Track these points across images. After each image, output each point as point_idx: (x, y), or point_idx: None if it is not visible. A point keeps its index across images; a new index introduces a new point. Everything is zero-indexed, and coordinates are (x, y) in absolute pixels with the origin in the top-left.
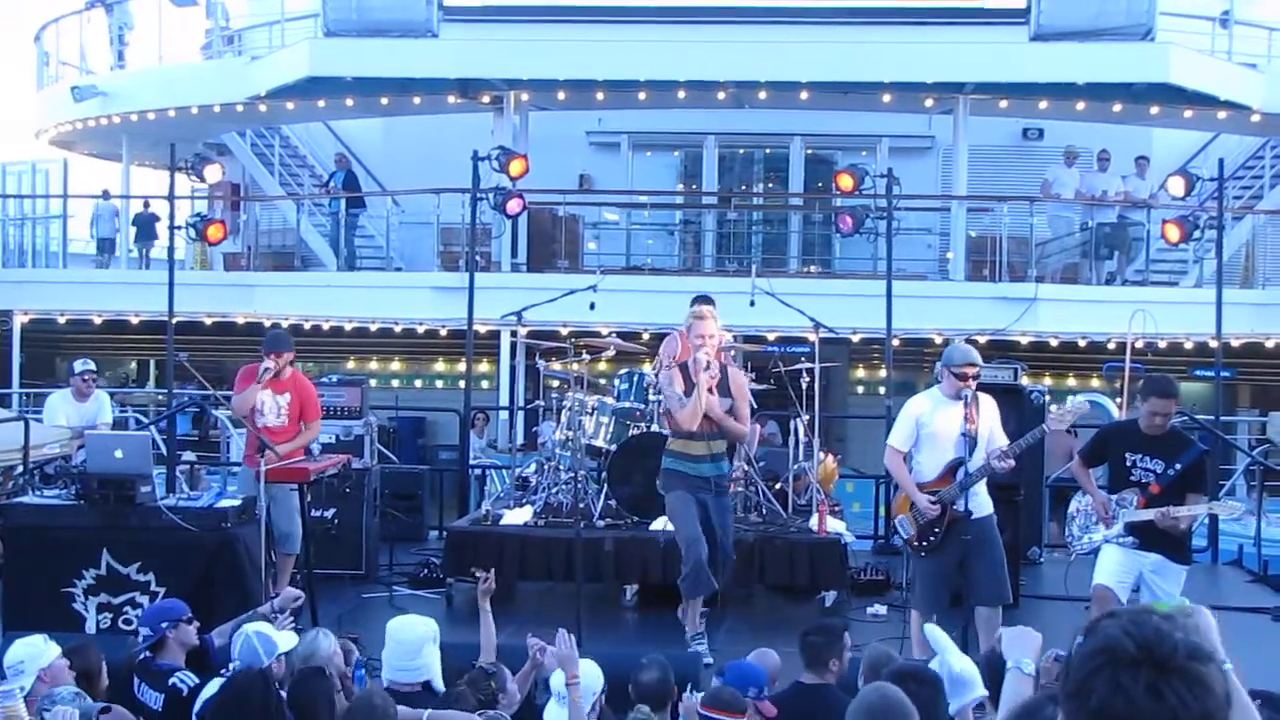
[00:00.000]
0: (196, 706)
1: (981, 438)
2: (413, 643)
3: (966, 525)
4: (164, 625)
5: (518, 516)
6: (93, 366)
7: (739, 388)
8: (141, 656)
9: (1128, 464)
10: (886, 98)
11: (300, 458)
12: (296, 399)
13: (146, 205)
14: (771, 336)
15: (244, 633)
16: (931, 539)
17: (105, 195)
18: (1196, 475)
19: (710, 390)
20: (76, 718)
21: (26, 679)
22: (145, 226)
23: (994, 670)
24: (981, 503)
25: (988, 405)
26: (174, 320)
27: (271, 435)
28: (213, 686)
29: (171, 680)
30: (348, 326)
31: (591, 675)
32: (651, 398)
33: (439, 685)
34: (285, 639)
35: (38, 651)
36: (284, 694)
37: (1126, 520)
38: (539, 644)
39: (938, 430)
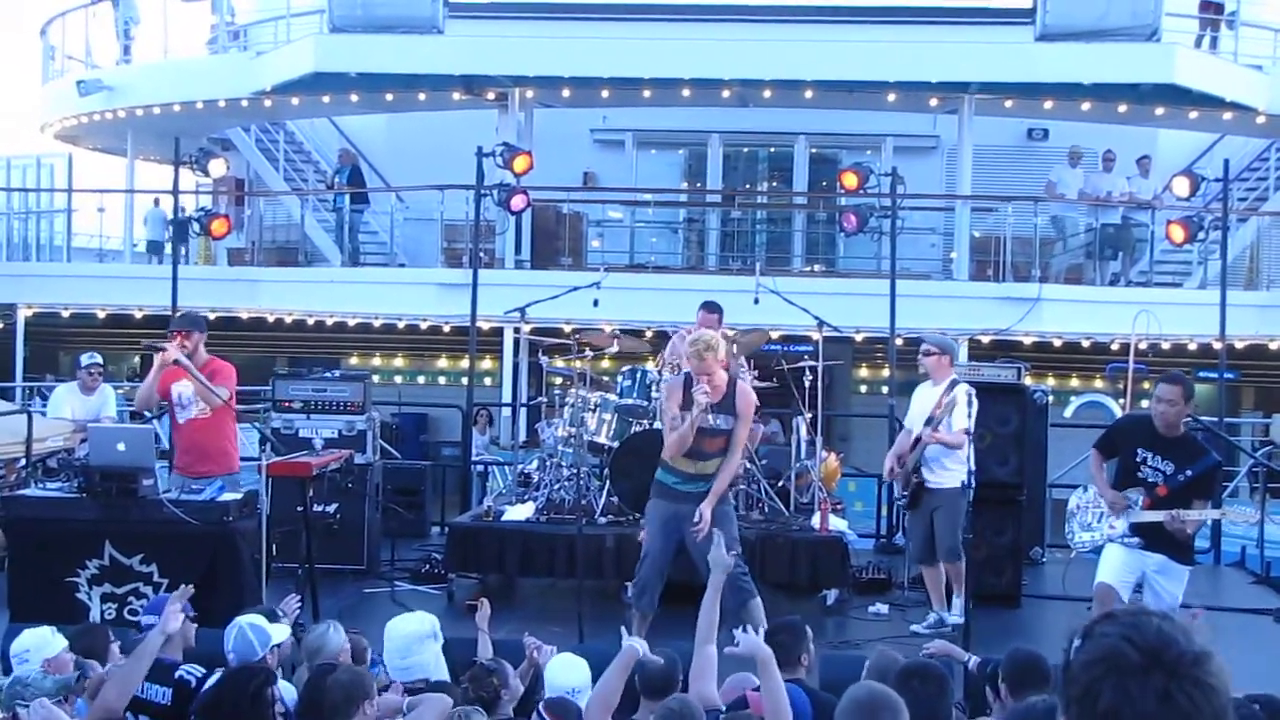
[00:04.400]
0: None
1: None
2: (403, 639)
3: (924, 490)
4: None
5: (519, 513)
6: (100, 360)
7: (745, 408)
8: None
9: (1137, 459)
10: (891, 97)
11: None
12: (216, 382)
13: (182, 209)
14: (775, 335)
15: (237, 624)
16: (903, 497)
17: (156, 201)
18: (1206, 484)
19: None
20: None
21: (30, 669)
22: (182, 228)
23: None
24: (941, 477)
25: (957, 397)
26: (178, 315)
27: (196, 427)
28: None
29: (178, 673)
30: (351, 322)
31: (578, 673)
32: (654, 395)
33: (444, 679)
34: (279, 631)
35: (44, 642)
36: (278, 686)
37: (1133, 520)
38: (535, 643)
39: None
